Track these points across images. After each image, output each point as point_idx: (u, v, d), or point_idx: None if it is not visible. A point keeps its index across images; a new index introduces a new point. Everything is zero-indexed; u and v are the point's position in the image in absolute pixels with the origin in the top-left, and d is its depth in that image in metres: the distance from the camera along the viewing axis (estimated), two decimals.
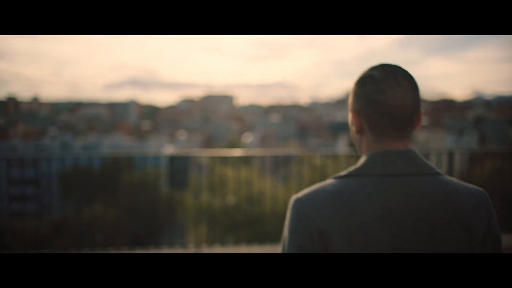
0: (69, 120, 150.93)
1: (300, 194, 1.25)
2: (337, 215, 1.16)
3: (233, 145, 49.17)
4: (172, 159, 52.70)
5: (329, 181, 1.25)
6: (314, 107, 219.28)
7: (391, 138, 1.25)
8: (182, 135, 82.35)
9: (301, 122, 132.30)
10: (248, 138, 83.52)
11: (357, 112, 1.26)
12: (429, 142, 66.01)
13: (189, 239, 28.41)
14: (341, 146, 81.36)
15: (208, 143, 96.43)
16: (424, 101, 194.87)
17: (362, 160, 1.26)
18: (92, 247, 30.27)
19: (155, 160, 49.98)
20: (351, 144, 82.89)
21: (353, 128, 1.29)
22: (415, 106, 1.22)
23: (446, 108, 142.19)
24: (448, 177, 1.27)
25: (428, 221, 1.17)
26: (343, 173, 1.24)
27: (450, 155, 4.20)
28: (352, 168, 1.25)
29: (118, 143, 63.05)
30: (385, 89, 1.20)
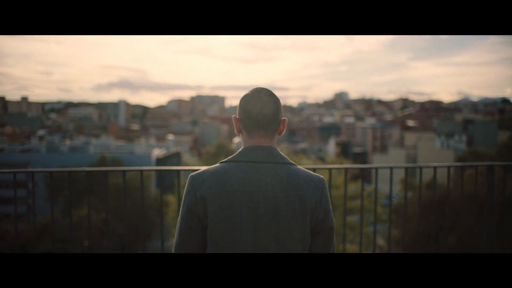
0: (58, 121, 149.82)
1: (194, 173, 1.86)
2: (213, 186, 1.77)
3: (222, 147, 49.09)
4: (160, 161, 52.32)
5: (216, 165, 1.87)
6: (303, 108, 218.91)
7: (257, 136, 1.86)
8: (171, 136, 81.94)
9: (290, 124, 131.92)
10: (236, 139, 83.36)
11: (237, 118, 1.91)
12: (418, 145, 65.99)
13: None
14: (332, 149, 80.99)
15: (197, 144, 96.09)
16: (413, 102, 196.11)
17: (238, 151, 1.86)
18: (79, 250, 29.94)
19: (143, 161, 49.61)
20: (343, 145, 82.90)
21: (235, 129, 1.94)
22: (273, 114, 1.85)
23: (434, 109, 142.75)
24: (297, 166, 1.86)
25: (273, 192, 1.75)
26: (224, 160, 1.86)
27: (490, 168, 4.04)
28: (230, 157, 1.86)
29: (106, 145, 62.57)
30: (250, 101, 1.85)
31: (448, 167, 3.88)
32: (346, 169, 3.80)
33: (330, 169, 3.73)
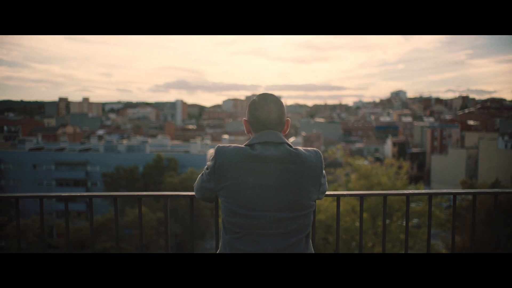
0: (117, 120, 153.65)
1: (221, 144, 2.21)
2: (231, 158, 2.14)
3: None
4: None
5: (240, 145, 2.21)
6: (359, 107, 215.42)
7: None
8: (226, 136, 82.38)
9: (346, 123, 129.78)
10: (291, 139, 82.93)
11: (246, 120, 2.29)
12: (480, 146, 63.35)
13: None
14: (389, 149, 79.09)
15: None
16: (473, 101, 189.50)
17: (252, 137, 2.23)
18: (133, 249, 30.41)
19: (198, 161, 49.92)
20: (400, 145, 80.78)
21: (245, 130, 2.33)
22: (278, 118, 2.24)
23: (496, 108, 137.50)
24: (295, 147, 2.22)
25: (282, 165, 2.12)
26: (245, 143, 2.21)
27: None
28: (247, 141, 2.21)
29: (162, 144, 63.37)
30: (258, 108, 2.23)
31: None
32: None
33: (407, 195, 3.24)
